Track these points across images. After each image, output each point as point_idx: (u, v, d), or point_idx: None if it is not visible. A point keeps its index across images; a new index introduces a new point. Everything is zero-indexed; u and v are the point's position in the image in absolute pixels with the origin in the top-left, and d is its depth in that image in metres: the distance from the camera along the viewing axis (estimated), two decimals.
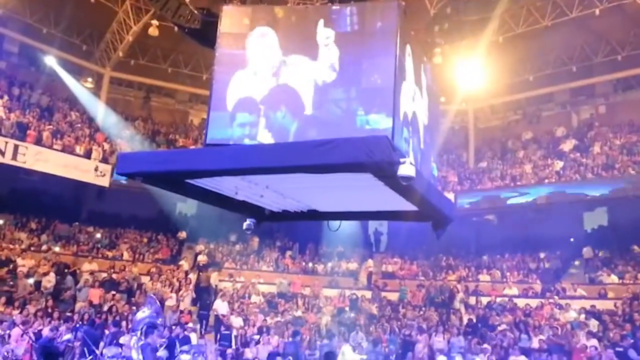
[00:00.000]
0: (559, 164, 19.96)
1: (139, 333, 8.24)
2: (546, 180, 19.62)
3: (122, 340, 8.68)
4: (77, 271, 17.33)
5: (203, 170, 4.81)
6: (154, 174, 5.09)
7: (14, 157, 18.05)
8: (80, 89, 21.68)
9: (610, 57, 19.79)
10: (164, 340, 9.22)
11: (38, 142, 18.93)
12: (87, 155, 20.22)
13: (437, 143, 6.37)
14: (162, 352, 8.19)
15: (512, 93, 22.36)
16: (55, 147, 19.46)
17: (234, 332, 14.82)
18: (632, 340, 12.19)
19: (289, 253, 22.07)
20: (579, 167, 19.37)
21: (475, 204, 20.65)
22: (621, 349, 11.69)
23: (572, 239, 19.82)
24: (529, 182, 19.96)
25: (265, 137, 5.29)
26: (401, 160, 4.11)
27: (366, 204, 6.41)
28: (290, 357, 12.20)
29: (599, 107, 21.89)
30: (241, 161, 4.66)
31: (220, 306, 16.21)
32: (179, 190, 5.72)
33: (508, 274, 19.21)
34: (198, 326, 15.96)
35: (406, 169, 4.05)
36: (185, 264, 19.63)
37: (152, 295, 8.91)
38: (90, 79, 22.99)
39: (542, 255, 19.57)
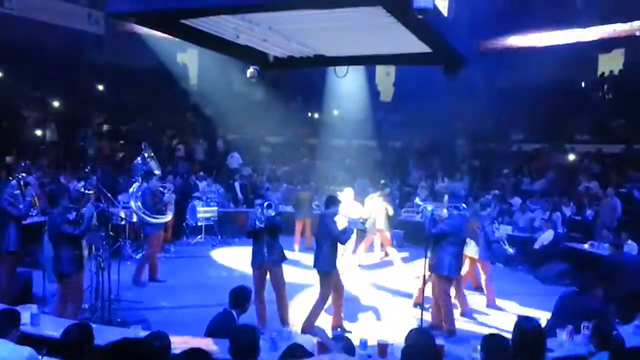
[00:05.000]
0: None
1: (140, 179, 8.53)
2: (564, 24, 18.49)
3: (131, 189, 8.92)
4: (84, 123, 17.38)
5: (198, 7, 4.40)
6: (146, 12, 4.66)
7: (1, 4, 17.14)
8: None
9: None
10: (170, 185, 9.56)
11: None
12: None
13: None
14: (168, 196, 8.56)
15: None
16: None
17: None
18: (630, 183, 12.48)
19: (293, 105, 21.85)
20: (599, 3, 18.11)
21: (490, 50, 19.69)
22: (624, 190, 11.98)
23: (583, 84, 19.32)
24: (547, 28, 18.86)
25: None
26: None
27: (376, 47, 6.04)
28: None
29: None
30: None
31: (233, 157, 16.59)
32: (175, 32, 5.32)
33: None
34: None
35: (423, 0, 3.66)
36: (191, 115, 19.60)
37: (144, 144, 8.97)
38: None
39: (551, 100, 19.19)
